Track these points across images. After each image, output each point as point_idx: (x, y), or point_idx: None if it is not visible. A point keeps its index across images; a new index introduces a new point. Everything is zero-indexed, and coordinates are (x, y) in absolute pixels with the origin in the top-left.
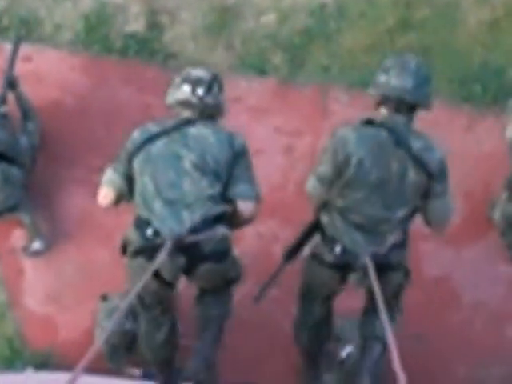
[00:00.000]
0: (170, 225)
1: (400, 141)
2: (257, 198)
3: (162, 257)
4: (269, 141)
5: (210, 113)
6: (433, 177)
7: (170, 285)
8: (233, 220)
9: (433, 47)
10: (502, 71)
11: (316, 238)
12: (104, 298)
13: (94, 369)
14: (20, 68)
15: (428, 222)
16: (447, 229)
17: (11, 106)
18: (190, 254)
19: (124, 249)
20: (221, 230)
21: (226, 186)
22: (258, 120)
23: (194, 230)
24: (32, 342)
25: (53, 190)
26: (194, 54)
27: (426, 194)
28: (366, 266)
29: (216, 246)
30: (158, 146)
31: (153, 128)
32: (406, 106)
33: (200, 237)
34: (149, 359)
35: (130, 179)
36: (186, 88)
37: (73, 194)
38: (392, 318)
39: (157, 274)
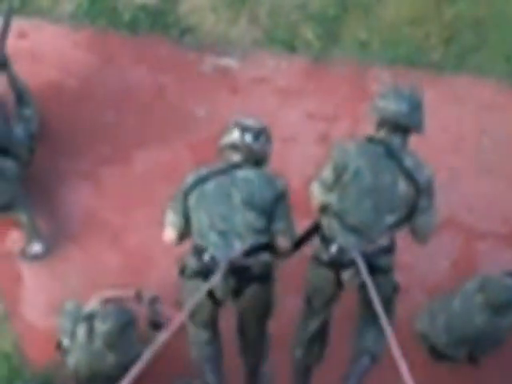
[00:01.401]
0: (224, 251)
1: (393, 156)
2: (292, 237)
3: (217, 276)
4: (301, 127)
5: (255, 159)
6: (420, 192)
7: (220, 303)
8: (274, 249)
9: (486, 19)
10: None
11: (315, 241)
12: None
13: None
14: (14, 46)
15: (412, 234)
16: (429, 240)
17: (5, 90)
18: (239, 276)
19: (182, 271)
20: (266, 257)
21: (269, 221)
22: (288, 104)
23: (245, 255)
24: (33, 359)
25: (54, 184)
26: (214, 28)
27: (413, 208)
28: (356, 262)
29: (261, 270)
30: (210, 186)
31: (203, 171)
32: (401, 128)
33: (249, 261)
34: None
35: (187, 216)
36: (236, 133)
37: (76, 189)
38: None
39: (210, 293)
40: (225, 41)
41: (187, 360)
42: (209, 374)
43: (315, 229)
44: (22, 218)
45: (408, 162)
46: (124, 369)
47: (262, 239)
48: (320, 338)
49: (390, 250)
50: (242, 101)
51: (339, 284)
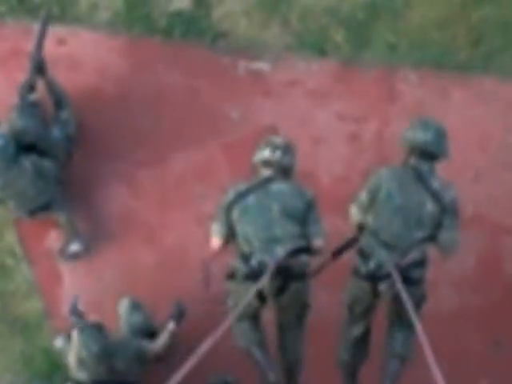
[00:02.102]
0: (269, 255)
1: (422, 179)
2: (323, 236)
3: (266, 276)
4: (331, 128)
5: (284, 171)
6: (445, 211)
7: (265, 300)
8: (310, 251)
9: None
10: None
11: (355, 256)
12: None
13: None
14: (53, 52)
15: (438, 248)
16: (453, 255)
17: (43, 94)
18: (283, 275)
19: (230, 276)
20: (304, 258)
21: (304, 226)
22: (319, 105)
23: (287, 257)
24: None
25: (92, 186)
26: (247, 32)
27: (438, 225)
28: (391, 273)
29: (300, 269)
30: (250, 200)
31: (242, 186)
32: (429, 155)
33: (291, 262)
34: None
35: (229, 225)
36: (267, 151)
37: (115, 189)
38: (411, 331)
39: (259, 292)
40: (257, 45)
41: (221, 356)
42: (259, 355)
43: (353, 240)
44: (61, 217)
45: (435, 185)
46: (136, 358)
47: (299, 243)
48: (363, 341)
49: (422, 263)
50: (274, 103)
51: (376, 294)
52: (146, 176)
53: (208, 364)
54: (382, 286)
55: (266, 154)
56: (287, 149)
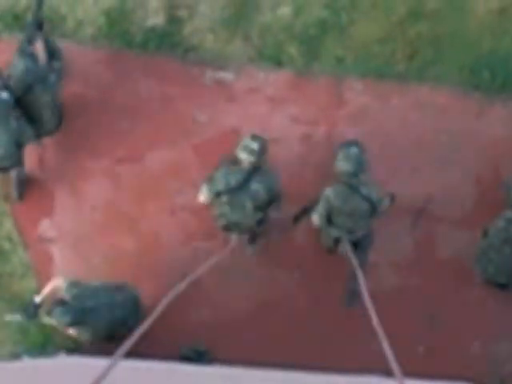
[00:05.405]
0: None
1: (354, 190)
2: (279, 213)
3: (232, 245)
4: (286, 130)
5: (258, 165)
6: (374, 206)
7: None
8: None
9: (443, 36)
10: (510, 58)
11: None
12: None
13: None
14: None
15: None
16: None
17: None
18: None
19: None
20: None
21: (266, 211)
22: (276, 110)
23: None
24: None
25: (79, 180)
26: (213, 46)
27: (372, 213)
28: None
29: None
30: (234, 193)
31: (232, 181)
32: (355, 174)
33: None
34: None
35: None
36: (243, 154)
37: (98, 184)
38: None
39: None
40: (222, 57)
41: (192, 329)
42: None
43: (303, 212)
44: (13, 173)
45: (364, 191)
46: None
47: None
48: None
49: (368, 236)
50: (237, 108)
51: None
52: (126, 172)
53: (182, 337)
54: (340, 247)
55: (243, 154)
56: (262, 151)
